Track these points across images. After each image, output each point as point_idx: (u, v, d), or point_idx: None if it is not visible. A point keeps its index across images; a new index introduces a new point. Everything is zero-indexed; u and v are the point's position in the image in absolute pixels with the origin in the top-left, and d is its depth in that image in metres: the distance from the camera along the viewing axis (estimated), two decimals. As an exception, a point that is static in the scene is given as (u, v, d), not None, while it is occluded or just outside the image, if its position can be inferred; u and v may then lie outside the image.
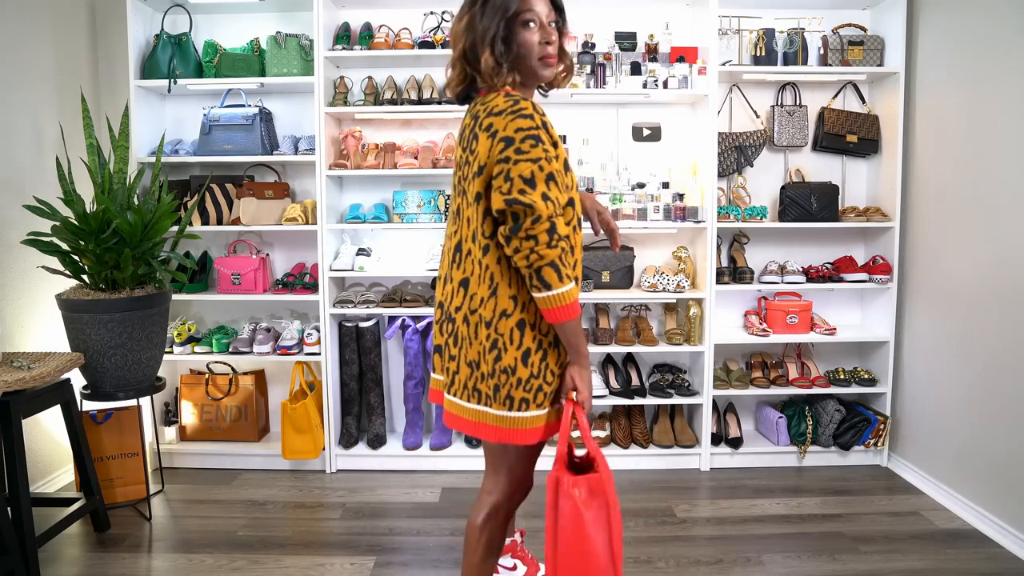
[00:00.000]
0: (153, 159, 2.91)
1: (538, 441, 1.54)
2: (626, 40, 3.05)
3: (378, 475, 3.02)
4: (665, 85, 2.96)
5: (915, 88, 2.94)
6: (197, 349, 3.05)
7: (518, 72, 1.53)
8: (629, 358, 3.25)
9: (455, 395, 1.57)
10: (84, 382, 2.55)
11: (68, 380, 2.40)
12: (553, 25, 1.54)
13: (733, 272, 3.11)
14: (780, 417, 3.11)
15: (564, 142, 3.07)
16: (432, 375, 1.69)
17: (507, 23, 1.49)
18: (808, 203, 3.04)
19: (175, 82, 2.98)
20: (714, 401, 3.11)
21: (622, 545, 1.45)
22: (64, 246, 2.45)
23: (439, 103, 3.04)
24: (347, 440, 3.12)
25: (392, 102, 3.07)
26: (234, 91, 3.08)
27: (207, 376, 3.17)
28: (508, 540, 2.08)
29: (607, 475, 1.48)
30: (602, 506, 1.45)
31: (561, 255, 1.40)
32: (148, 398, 2.84)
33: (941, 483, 2.74)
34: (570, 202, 1.50)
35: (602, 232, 1.75)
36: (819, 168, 3.23)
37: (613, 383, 3.14)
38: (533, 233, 1.38)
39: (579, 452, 1.65)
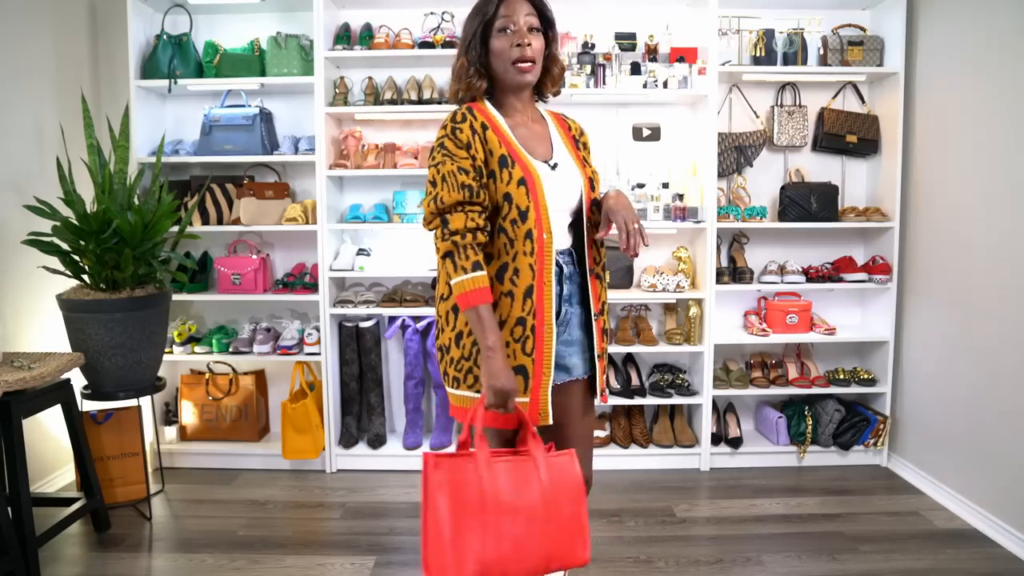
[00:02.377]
0: (153, 159, 2.91)
1: (495, 426, 1.55)
2: (626, 40, 3.05)
3: (378, 475, 3.02)
4: (665, 85, 2.96)
5: (915, 88, 2.94)
6: (197, 349, 3.05)
7: (489, 78, 1.61)
8: (629, 358, 3.25)
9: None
10: (84, 382, 2.56)
11: (68, 380, 2.40)
12: (536, 32, 1.58)
13: (733, 272, 3.11)
14: (780, 417, 3.11)
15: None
16: None
17: (484, 28, 1.57)
18: (808, 203, 3.04)
19: (175, 82, 2.98)
20: (714, 401, 3.11)
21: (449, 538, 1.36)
22: (64, 246, 2.45)
23: (439, 103, 3.04)
24: (347, 440, 3.12)
25: (392, 102, 3.07)
26: (234, 91, 3.08)
27: (207, 376, 3.17)
28: None
29: (486, 472, 1.40)
30: (444, 493, 1.38)
31: (456, 248, 1.50)
32: (148, 398, 2.84)
33: (941, 483, 2.74)
34: (506, 197, 1.55)
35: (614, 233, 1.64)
36: (819, 168, 3.23)
37: (613, 383, 3.14)
38: (431, 228, 1.55)
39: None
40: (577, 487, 1.48)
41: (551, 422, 1.59)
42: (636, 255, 1.60)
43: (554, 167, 1.62)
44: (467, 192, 1.52)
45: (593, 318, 1.66)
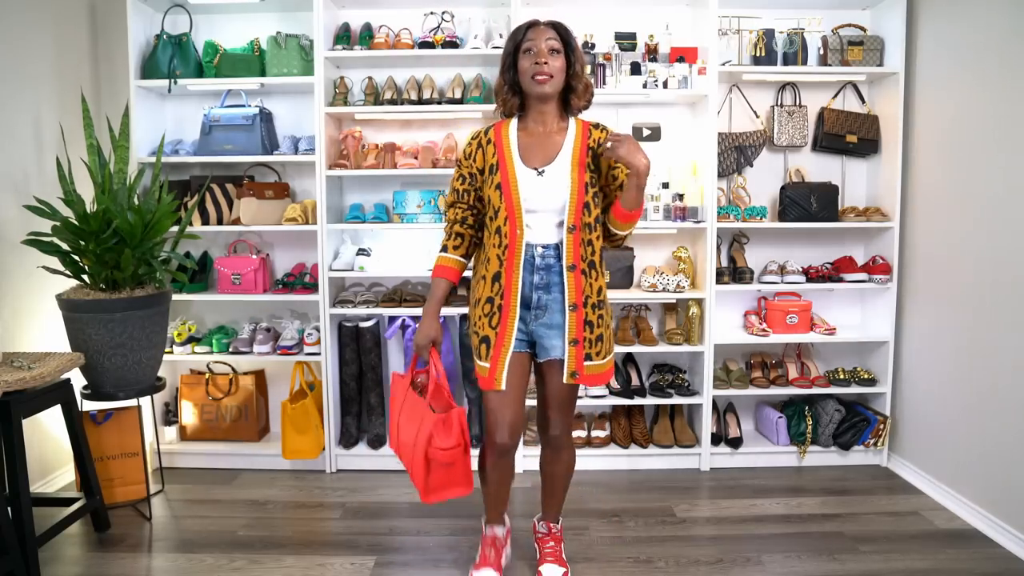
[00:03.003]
0: (153, 159, 2.91)
1: (482, 386, 1.95)
2: (626, 40, 3.05)
3: (378, 475, 3.02)
4: (665, 85, 2.96)
5: (915, 88, 2.94)
6: (197, 349, 3.05)
7: (521, 94, 1.93)
8: (629, 358, 3.25)
9: None
10: (84, 382, 2.55)
11: (68, 380, 2.40)
12: (556, 53, 1.86)
13: (733, 272, 3.11)
14: (780, 417, 3.11)
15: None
16: None
17: (515, 50, 1.88)
18: (808, 203, 3.04)
19: (175, 82, 2.98)
20: (714, 401, 3.10)
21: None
22: (64, 246, 2.45)
23: (439, 103, 3.04)
24: (347, 440, 3.12)
25: (392, 102, 3.07)
26: (234, 91, 3.08)
27: (207, 376, 3.17)
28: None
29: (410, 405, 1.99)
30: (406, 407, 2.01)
31: (445, 234, 2.02)
32: (148, 398, 2.84)
33: (941, 483, 2.74)
34: (488, 199, 1.92)
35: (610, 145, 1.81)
36: (819, 168, 3.23)
37: (613, 383, 3.14)
38: None
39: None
40: (420, 446, 1.86)
41: (503, 388, 1.90)
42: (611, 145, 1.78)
43: (541, 173, 1.87)
44: (455, 195, 2.00)
45: (568, 308, 1.88)
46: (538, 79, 1.84)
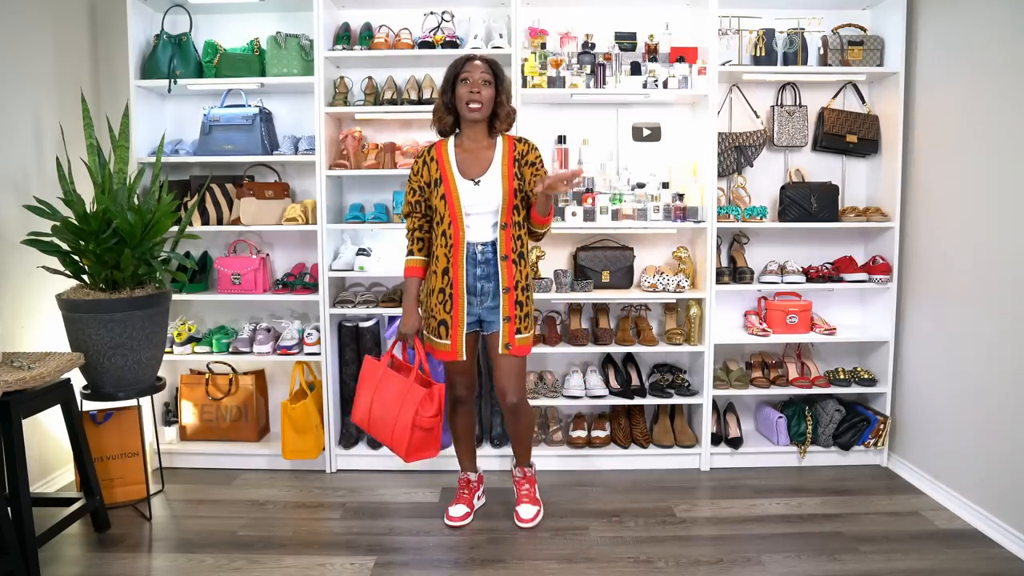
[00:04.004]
0: (153, 159, 2.91)
1: (437, 358, 2.39)
2: (626, 40, 3.05)
3: (378, 475, 3.02)
4: (665, 85, 2.96)
5: (915, 88, 2.94)
6: (197, 349, 3.05)
7: (457, 115, 2.31)
8: (629, 358, 3.25)
9: None
10: (84, 382, 2.55)
11: (68, 380, 2.40)
12: (488, 84, 2.24)
13: (733, 272, 3.11)
14: (780, 417, 3.11)
15: (564, 142, 3.08)
16: None
17: (453, 80, 2.27)
18: (808, 203, 3.04)
19: (175, 82, 2.98)
20: (714, 401, 3.10)
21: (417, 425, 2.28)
22: (64, 246, 2.45)
23: (439, 103, 3.04)
24: (347, 440, 3.12)
25: (392, 102, 3.07)
26: (234, 91, 3.08)
27: (207, 376, 3.17)
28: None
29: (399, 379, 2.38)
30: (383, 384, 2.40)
31: (408, 240, 2.42)
32: (148, 398, 2.84)
33: (941, 483, 2.74)
34: (435, 207, 2.31)
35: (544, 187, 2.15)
36: (819, 168, 3.23)
37: (613, 383, 3.14)
38: None
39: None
40: (406, 415, 2.28)
41: (464, 358, 2.35)
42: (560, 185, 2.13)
43: (477, 183, 2.27)
44: (409, 206, 2.40)
45: (502, 291, 2.30)
46: (471, 106, 2.23)
